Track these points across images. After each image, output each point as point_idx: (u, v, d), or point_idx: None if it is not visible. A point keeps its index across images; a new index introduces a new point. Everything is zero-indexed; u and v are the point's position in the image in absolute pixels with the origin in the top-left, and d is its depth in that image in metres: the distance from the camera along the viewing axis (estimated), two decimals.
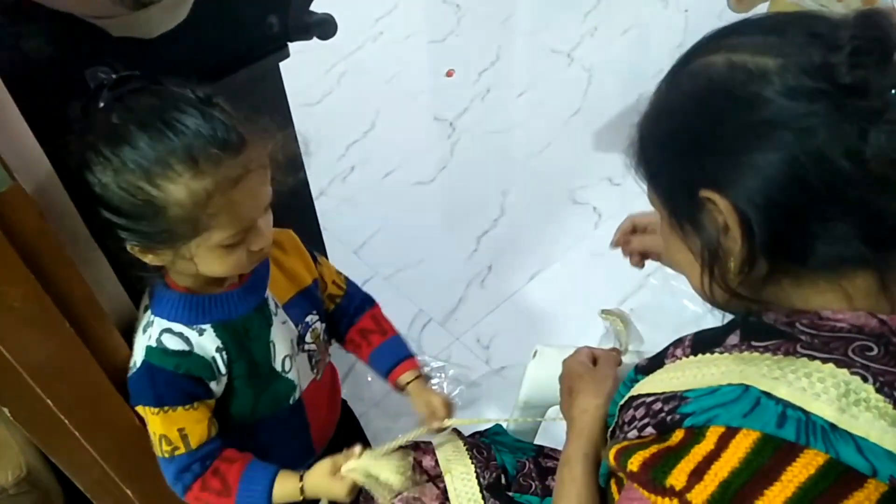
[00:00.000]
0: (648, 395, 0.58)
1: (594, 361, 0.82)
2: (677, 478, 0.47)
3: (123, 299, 0.82)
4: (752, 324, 0.55)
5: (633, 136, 0.60)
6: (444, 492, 0.85)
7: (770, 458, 0.45)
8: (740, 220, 0.50)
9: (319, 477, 0.80)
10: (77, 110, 0.68)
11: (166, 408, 0.76)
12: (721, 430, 0.47)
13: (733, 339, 0.55)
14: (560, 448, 0.96)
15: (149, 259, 0.70)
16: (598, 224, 1.98)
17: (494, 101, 2.47)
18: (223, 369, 0.78)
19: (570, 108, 2.41)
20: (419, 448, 0.91)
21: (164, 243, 0.68)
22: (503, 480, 0.88)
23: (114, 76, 0.68)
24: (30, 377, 0.69)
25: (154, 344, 0.74)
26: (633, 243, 0.91)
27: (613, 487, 0.67)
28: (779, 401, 0.46)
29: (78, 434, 0.77)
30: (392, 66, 2.63)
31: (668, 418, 0.52)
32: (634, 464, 0.51)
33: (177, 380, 0.75)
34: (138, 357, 0.75)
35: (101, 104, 0.67)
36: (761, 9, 2.06)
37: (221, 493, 0.81)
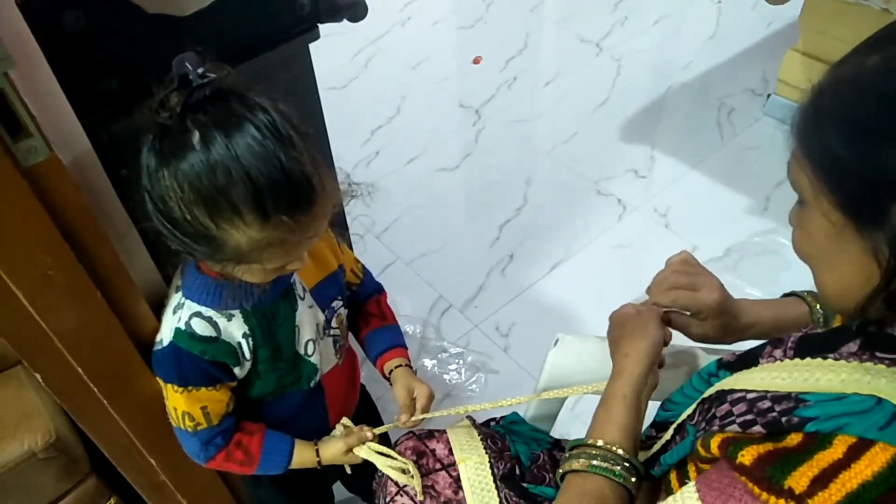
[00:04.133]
0: (746, 391, 0.56)
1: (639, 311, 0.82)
2: (798, 481, 0.45)
3: (153, 273, 0.83)
4: (876, 335, 0.52)
5: (805, 107, 0.51)
6: (457, 480, 0.86)
7: None
8: None
9: (334, 452, 0.88)
10: (153, 93, 0.63)
11: (190, 388, 0.78)
12: (852, 440, 0.45)
13: (851, 346, 0.52)
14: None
15: (189, 257, 0.71)
16: (623, 216, 1.97)
17: (521, 90, 2.46)
18: (248, 355, 0.79)
19: (597, 99, 2.39)
20: (433, 436, 0.92)
21: (209, 258, 0.69)
22: (517, 471, 0.89)
23: (200, 70, 0.62)
24: (61, 344, 0.71)
25: (183, 327, 0.75)
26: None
27: (674, 478, 0.66)
28: None
29: (106, 402, 0.79)
30: (419, 51, 2.63)
31: (784, 419, 0.50)
32: (747, 457, 0.49)
33: (202, 364, 0.77)
34: (166, 336, 0.77)
35: (179, 108, 0.61)
36: (798, 1, 2.01)
37: (244, 463, 0.86)
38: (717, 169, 2.08)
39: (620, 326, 0.80)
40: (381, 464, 0.86)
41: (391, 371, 0.94)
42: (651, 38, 2.67)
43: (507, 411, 1.03)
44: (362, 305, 0.99)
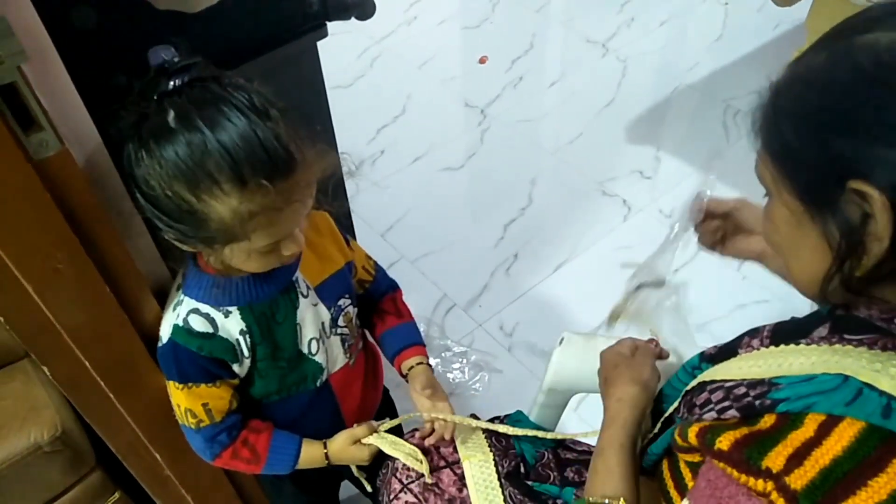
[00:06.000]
0: (725, 380, 0.57)
1: (634, 352, 0.82)
2: (774, 460, 0.46)
3: (161, 268, 0.84)
4: (844, 317, 0.53)
5: (764, 104, 0.54)
6: (462, 477, 0.86)
7: (876, 449, 0.44)
8: (894, 220, 0.45)
9: (342, 445, 0.88)
10: (134, 88, 0.65)
11: (190, 384, 0.78)
12: (821, 417, 0.46)
13: (822, 331, 0.54)
14: (581, 440, 0.96)
15: (184, 248, 0.71)
16: (628, 217, 1.97)
17: (526, 90, 2.46)
18: (246, 352, 0.79)
19: (602, 100, 2.39)
20: None
21: (201, 242, 0.69)
22: (522, 469, 0.89)
23: (176, 59, 0.64)
24: (69, 338, 0.71)
25: (181, 323, 0.76)
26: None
27: (665, 468, 0.67)
28: (882, 393, 0.46)
29: (112, 396, 0.79)
30: (425, 51, 2.63)
31: (757, 402, 0.51)
32: (724, 443, 0.50)
33: (199, 360, 0.77)
34: (165, 333, 0.77)
35: (156, 95, 0.63)
36: (805, 4, 2.01)
37: (251, 461, 0.86)
38: (723, 171, 2.08)
39: (614, 366, 0.80)
40: (390, 448, 0.86)
41: (409, 369, 0.93)
42: (657, 39, 2.67)
43: (512, 411, 1.04)
44: (377, 303, 0.98)
